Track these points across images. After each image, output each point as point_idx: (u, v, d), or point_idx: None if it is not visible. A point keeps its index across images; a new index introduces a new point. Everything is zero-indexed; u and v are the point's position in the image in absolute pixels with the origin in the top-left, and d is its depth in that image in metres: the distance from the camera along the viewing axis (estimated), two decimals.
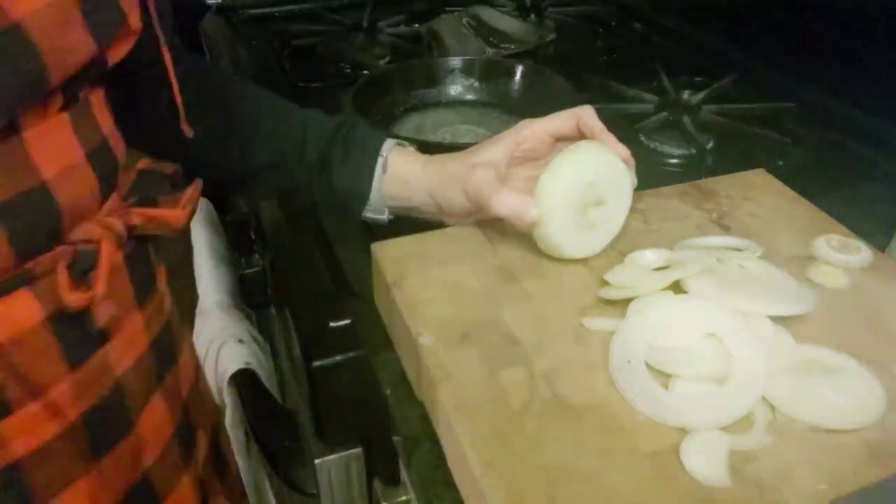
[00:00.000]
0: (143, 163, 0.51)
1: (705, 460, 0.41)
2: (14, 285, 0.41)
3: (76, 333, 0.44)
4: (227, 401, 0.85)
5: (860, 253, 0.58)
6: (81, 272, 0.43)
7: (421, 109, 0.92)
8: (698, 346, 0.49)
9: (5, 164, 0.39)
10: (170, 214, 0.50)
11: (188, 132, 0.54)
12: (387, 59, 1.10)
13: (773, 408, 0.45)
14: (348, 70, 1.07)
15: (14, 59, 0.38)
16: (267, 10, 1.29)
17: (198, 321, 0.96)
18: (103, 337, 0.46)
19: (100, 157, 0.45)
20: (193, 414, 0.57)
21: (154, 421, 0.51)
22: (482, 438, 0.43)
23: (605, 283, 0.55)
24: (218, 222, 1.10)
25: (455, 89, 0.95)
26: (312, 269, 0.68)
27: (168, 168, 0.52)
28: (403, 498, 0.56)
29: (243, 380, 0.84)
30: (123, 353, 0.48)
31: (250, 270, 1.10)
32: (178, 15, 0.60)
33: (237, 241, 1.09)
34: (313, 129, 0.66)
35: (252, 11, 1.28)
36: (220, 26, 1.24)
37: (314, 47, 1.14)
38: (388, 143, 0.64)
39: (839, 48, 0.91)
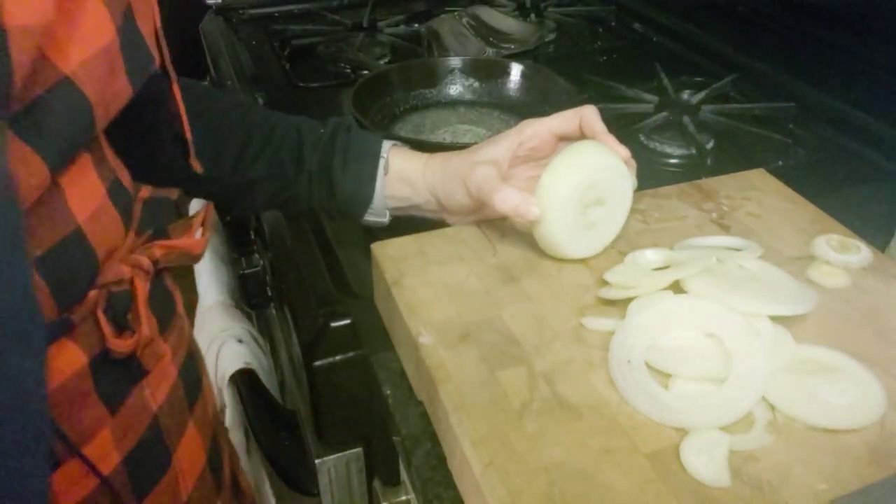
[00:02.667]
0: (145, 191, 0.51)
1: (705, 460, 0.41)
2: (55, 335, 0.40)
3: (114, 376, 0.43)
4: (227, 401, 0.85)
5: (860, 253, 0.58)
6: (118, 314, 0.43)
7: (421, 109, 0.92)
8: (698, 346, 0.49)
9: (47, 215, 0.39)
10: (191, 244, 0.50)
11: (198, 168, 0.54)
12: (387, 59, 1.10)
13: (773, 408, 0.45)
14: (348, 70, 1.07)
15: (69, 113, 0.38)
16: (267, 10, 1.29)
17: (198, 321, 0.96)
18: (139, 375, 0.46)
19: (117, 193, 0.45)
20: (220, 437, 0.56)
21: (190, 451, 0.51)
22: (482, 438, 0.43)
23: (605, 283, 0.55)
24: (218, 222, 1.10)
25: (455, 89, 0.95)
26: (312, 269, 0.68)
27: (172, 194, 0.52)
28: (403, 498, 0.56)
29: (243, 380, 0.84)
30: (157, 387, 0.47)
31: (250, 270, 1.10)
32: (177, 15, 0.60)
33: (237, 241, 1.09)
34: (308, 136, 0.65)
35: (252, 11, 1.28)
36: (220, 26, 1.24)
37: (314, 47, 1.14)
38: (387, 144, 0.64)
39: (839, 48, 0.91)
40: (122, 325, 0.43)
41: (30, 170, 0.36)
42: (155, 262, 0.47)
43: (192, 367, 0.52)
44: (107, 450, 0.43)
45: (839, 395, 0.45)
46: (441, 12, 1.19)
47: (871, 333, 0.51)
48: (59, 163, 0.39)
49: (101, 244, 0.43)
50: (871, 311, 0.53)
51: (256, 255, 1.11)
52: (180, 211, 0.53)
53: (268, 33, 1.20)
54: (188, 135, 0.52)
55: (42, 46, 0.35)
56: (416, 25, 1.20)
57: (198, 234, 0.51)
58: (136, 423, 0.45)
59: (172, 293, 0.52)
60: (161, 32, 0.48)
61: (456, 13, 1.18)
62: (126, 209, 0.46)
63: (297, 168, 0.64)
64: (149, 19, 0.45)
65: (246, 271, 1.08)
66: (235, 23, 1.26)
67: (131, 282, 0.45)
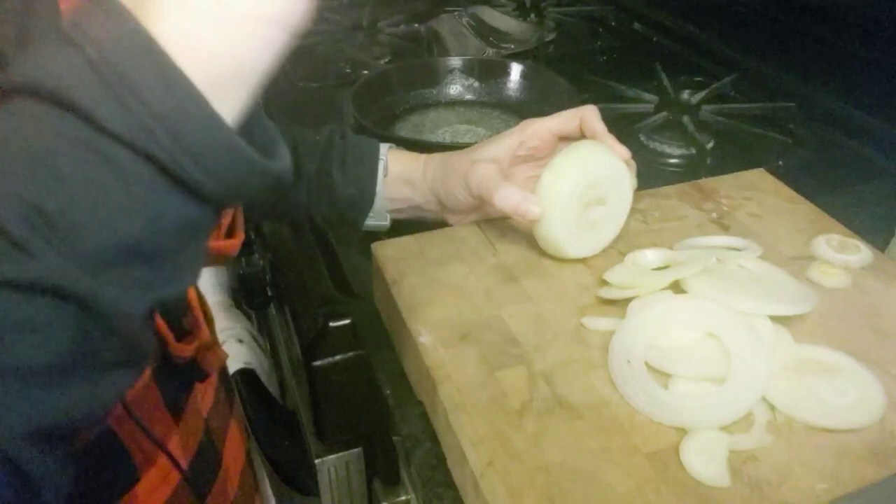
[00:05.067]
0: None
1: (705, 460, 0.41)
2: None
3: (174, 383, 0.44)
4: None
5: (860, 253, 0.58)
6: (174, 319, 0.43)
7: (421, 109, 0.92)
8: (698, 346, 0.49)
9: None
10: (227, 245, 0.50)
11: None
12: (387, 59, 1.10)
13: (772, 408, 0.45)
14: (348, 70, 1.07)
15: None
16: None
17: None
18: (198, 378, 0.46)
19: None
20: (252, 454, 0.57)
21: (233, 451, 0.51)
22: (482, 438, 0.43)
23: (605, 283, 0.55)
24: None
25: (455, 89, 0.95)
26: (312, 269, 0.68)
27: None
28: (403, 498, 0.56)
29: (243, 380, 0.84)
30: (205, 392, 0.48)
31: (250, 270, 1.10)
32: None
33: None
34: (303, 145, 0.64)
35: None
36: None
37: (314, 47, 1.14)
38: (384, 147, 0.64)
39: (839, 48, 0.91)
40: (180, 330, 0.43)
41: None
42: None
43: (225, 370, 0.52)
44: (179, 454, 0.43)
45: (839, 395, 0.45)
46: (441, 12, 1.19)
47: (871, 333, 0.51)
48: None
49: None
50: (871, 311, 0.53)
51: (256, 256, 1.11)
52: None
53: None
54: None
55: None
56: (417, 25, 1.20)
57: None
58: (195, 431, 0.46)
59: (201, 295, 0.52)
60: None
61: (456, 13, 1.18)
62: None
63: (294, 177, 0.63)
64: None
65: (246, 271, 1.08)
66: None
67: None
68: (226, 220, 0.51)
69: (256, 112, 0.30)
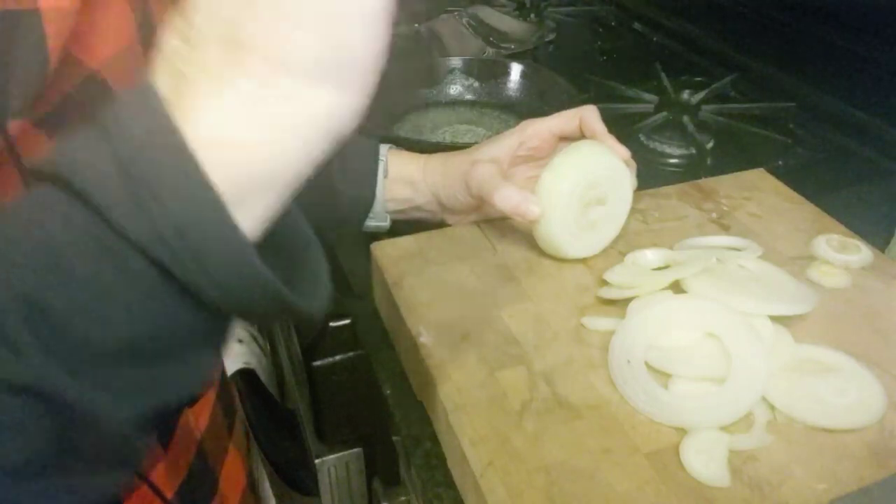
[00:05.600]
0: None
1: (705, 460, 0.41)
2: None
3: None
4: None
5: (860, 253, 0.58)
6: None
7: (421, 109, 0.92)
8: (698, 346, 0.49)
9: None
10: None
11: None
12: (387, 59, 1.10)
13: (772, 408, 0.45)
14: None
15: (98, 104, 0.38)
16: None
17: None
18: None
19: None
20: (252, 455, 0.56)
21: (232, 475, 0.50)
22: (482, 438, 0.43)
23: (605, 283, 0.55)
24: None
25: (455, 89, 0.95)
26: None
27: None
28: (403, 498, 0.56)
29: (243, 380, 0.84)
30: (200, 414, 0.47)
31: None
32: None
33: None
34: None
35: None
36: None
37: None
38: (384, 148, 0.64)
39: (839, 48, 0.91)
40: None
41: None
42: None
43: (227, 389, 0.52)
44: (163, 483, 0.43)
45: (839, 395, 0.45)
46: (441, 12, 1.19)
47: (871, 333, 0.51)
48: None
49: None
50: (871, 311, 0.53)
51: None
52: None
53: None
54: None
55: (68, 44, 0.35)
56: (416, 25, 1.20)
57: None
58: (186, 452, 0.45)
59: None
60: None
61: (456, 13, 1.18)
62: None
63: None
64: (164, 15, 0.45)
65: None
66: None
67: None
68: None
69: (307, 242, 0.29)
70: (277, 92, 0.24)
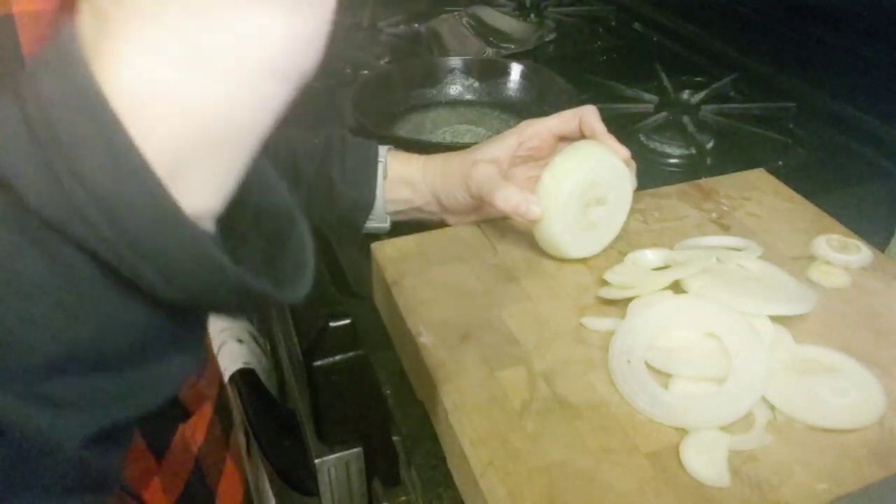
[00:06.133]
0: None
1: (705, 460, 0.41)
2: None
3: (157, 421, 0.42)
4: None
5: (860, 253, 0.58)
6: None
7: (421, 109, 0.92)
8: (698, 346, 0.49)
9: None
10: None
11: None
12: (387, 59, 1.10)
13: (773, 408, 0.45)
14: (348, 70, 1.06)
15: None
16: None
17: None
18: (181, 417, 0.45)
19: None
20: (252, 455, 0.56)
21: (230, 488, 0.50)
22: (482, 438, 0.43)
23: (605, 283, 0.55)
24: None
25: (455, 89, 0.95)
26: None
27: None
28: (403, 498, 0.56)
29: (243, 380, 0.84)
30: (196, 428, 0.47)
31: None
32: None
33: None
34: (301, 148, 0.64)
35: None
36: None
37: None
38: (383, 149, 0.64)
39: (839, 48, 0.91)
40: None
41: None
42: None
43: (225, 401, 0.51)
44: (157, 497, 0.42)
45: (839, 395, 0.45)
46: (441, 12, 1.19)
47: (871, 333, 0.51)
48: None
49: None
50: (871, 311, 0.53)
51: None
52: None
53: None
54: None
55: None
56: (416, 25, 1.20)
57: None
58: (182, 470, 0.44)
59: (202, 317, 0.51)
60: None
61: (456, 13, 1.18)
62: None
63: (294, 181, 0.63)
64: None
65: None
66: None
67: None
68: None
69: (289, 218, 0.25)
70: (211, 23, 0.19)
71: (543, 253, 0.58)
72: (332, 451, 0.64)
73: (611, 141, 0.59)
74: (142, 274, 0.20)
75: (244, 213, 0.24)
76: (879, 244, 0.61)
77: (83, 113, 0.19)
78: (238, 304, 0.23)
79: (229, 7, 0.20)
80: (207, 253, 0.20)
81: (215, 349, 0.88)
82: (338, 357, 0.58)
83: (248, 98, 0.21)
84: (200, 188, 0.21)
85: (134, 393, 0.23)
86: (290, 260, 0.25)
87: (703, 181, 0.69)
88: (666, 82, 0.97)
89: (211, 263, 0.21)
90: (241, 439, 0.54)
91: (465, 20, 1.16)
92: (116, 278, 0.20)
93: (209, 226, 0.22)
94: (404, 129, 0.88)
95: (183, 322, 0.23)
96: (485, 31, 1.14)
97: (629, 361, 0.47)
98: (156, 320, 0.22)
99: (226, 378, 0.84)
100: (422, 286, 0.54)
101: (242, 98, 0.21)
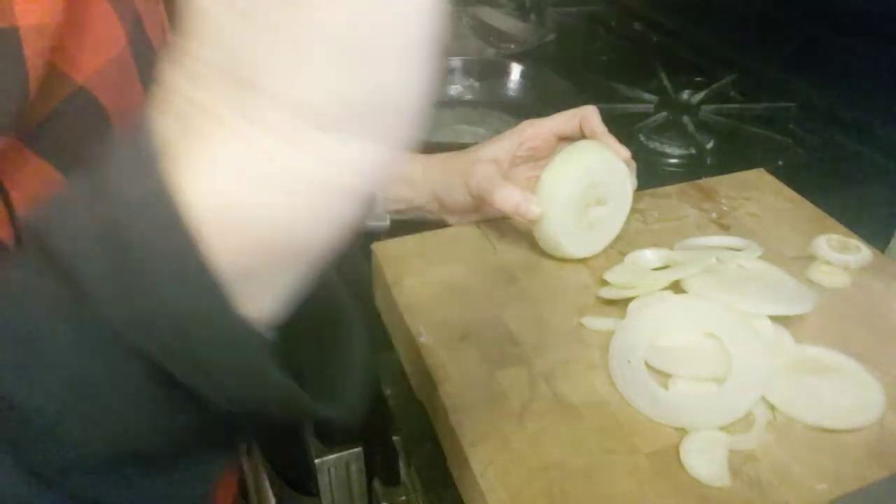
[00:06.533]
0: None
1: (705, 460, 0.41)
2: None
3: None
4: None
5: (860, 253, 0.58)
6: None
7: None
8: (698, 346, 0.49)
9: None
10: None
11: None
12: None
13: (772, 408, 0.45)
14: None
15: (86, 123, 0.36)
16: None
17: None
18: None
19: None
20: (252, 455, 0.56)
21: (223, 488, 0.50)
22: (482, 438, 0.43)
23: (605, 283, 0.55)
24: None
25: (455, 89, 0.95)
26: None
27: None
28: (403, 498, 0.56)
29: None
30: None
31: None
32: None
33: None
34: None
35: None
36: None
37: None
38: None
39: (839, 48, 0.91)
40: None
41: (49, 185, 0.35)
42: None
43: None
44: None
45: (839, 395, 0.45)
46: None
47: (870, 333, 0.51)
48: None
49: None
50: (871, 311, 0.53)
51: None
52: None
53: None
54: None
55: (52, 58, 0.34)
56: None
57: None
58: None
59: None
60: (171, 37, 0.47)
61: (456, 13, 1.18)
62: None
63: None
64: (158, 30, 0.44)
65: None
66: None
67: None
68: None
69: (345, 324, 0.25)
70: (293, 143, 0.19)
71: (543, 253, 0.58)
72: (332, 451, 0.64)
73: (611, 141, 0.59)
74: (198, 383, 0.20)
75: (301, 319, 0.24)
76: (879, 244, 0.61)
77: (158, 222, 0.19)
78: (294, 418, 0.23)
79: (316, 132, 0.19)
80: (266, 370, 0.21)
81: None
82: None
83: (320, 216, 0.21)
84: (263, 298, 0.21)
85: (175, 492, 0.23)
86: (341, 368, 0.25)
87: (703, 181, 0.69)
88: (666, 82, 0.97)
89: (268, 380, 0.21)
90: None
91: (465, 20, 1.16)
92: (170, 384, 0.20)
93: (267, 333, 0.22)
94: None
95: (227, 424, 0.23)
96: (485, 31, 1.14)
97: (629, 361, 0.47)
98: (203, 424, 0.22)
99: None
100: (422, 286, 0.54)
101: (314, 216, 0.21)
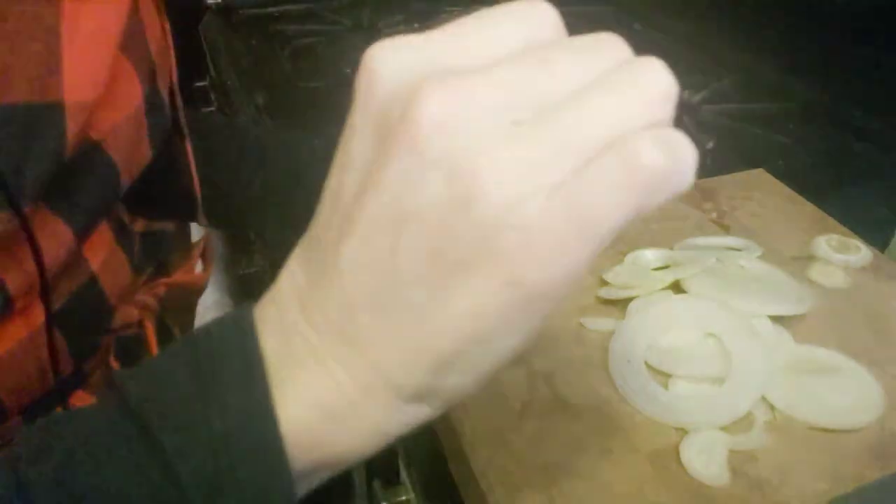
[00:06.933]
0: (140, 225, 0.49)
1: (705, 460, 0.41)
2: (71, 388, 0.40)
3: None
4: None
5: (860, 253, 0.58)
6: (129, 359, 0.42)
7: None
8: (698, 346, 0.49)
9: (64, 269, 0.38)
10: (194, 280, 0.48)
11: (202, 221, 0.53)
12: None
13: (772, 408, 0.45)
14: (348, 70, 1.07)
15: (98, 180, 0.37)
16: (267, 9, 1.29)
17: (198, 321, 0.96)
18: None
19: (123, 235, 0.44)
20: None
21: None
22: (482, 438, 0.43)
23: (604, 283, 0.55)
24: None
25: None
26: None
27: (169, 226, 0.51)
28: (403, 498, 0.56)
29: None
30: None
31: (250, 270, 1.10)
32: (177, 15, 0.59)
33: (237, 241, 1.09)
34: (304, 150, 0.63)
35: (252, 11, 1.28)
36: (220, 26, 1.24)
37: (314, 47, 1.14)
38: None
39: (839, 48, 0.91)
40: None
41: (59, 241, 0.36)
42: (160, 301, 0.46)
43: None
44: None
45: (839, 395, 0.45)
46: (441, 12, 1.19)
47: (870, 333, 0.51)
48: (86, 229, 0.38)
49: (112, 288, 0.42)
50: (870, 311, 0.53)
51: (256, 255, 1.11)
52: (178, 241, 0.52)
53: (268, 33, 1.20)
54: (198, 192, 0.50)
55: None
56: (416, 25, 1.20)
57: (198, 267, 0.49)
58: None
59: (174, 333, 0.51)
60: (177, 88, 0.47)
61: (456, 13, 1.18)
62: (130, 249, 0.45)
63: (296, 183, 0.62)
64: (166, 74, 0.44)
65: (246, 271, 1.09)
66: (235, 23, 1.26)
67: (140, 324, 0.44)
68: (196, 251, 0.50)
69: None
70: (377, 401, 0.23)
71: None
72: None
73: None
74: None
75: None
76: (879, 244, 0.61)
77: (257, 441, 0.22)
78: None
79: (398, 399, 0.23)
80: None
81: None
82: None
83: (377, 445, 0.24)
84: (305, 488, 0.25)
85: None
86: None
87: (703, 181, 0.69)
88: None
89: None
90: None
91: None
92: None
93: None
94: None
95: None
96: None
97: (629, 361, 0.47)
98: None
99: None
100: None
101: (374, 445, 0.24)
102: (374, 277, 0.21)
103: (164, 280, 0.47)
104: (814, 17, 0.95)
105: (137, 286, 0.46)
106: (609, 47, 0.21)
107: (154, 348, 0.44)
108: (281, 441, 0.22)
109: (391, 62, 0.21)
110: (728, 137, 0.87)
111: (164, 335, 0.49)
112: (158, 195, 0.50)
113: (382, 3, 1.29)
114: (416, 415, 0.24)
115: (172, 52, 0.45)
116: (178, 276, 0.49)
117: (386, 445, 0.25)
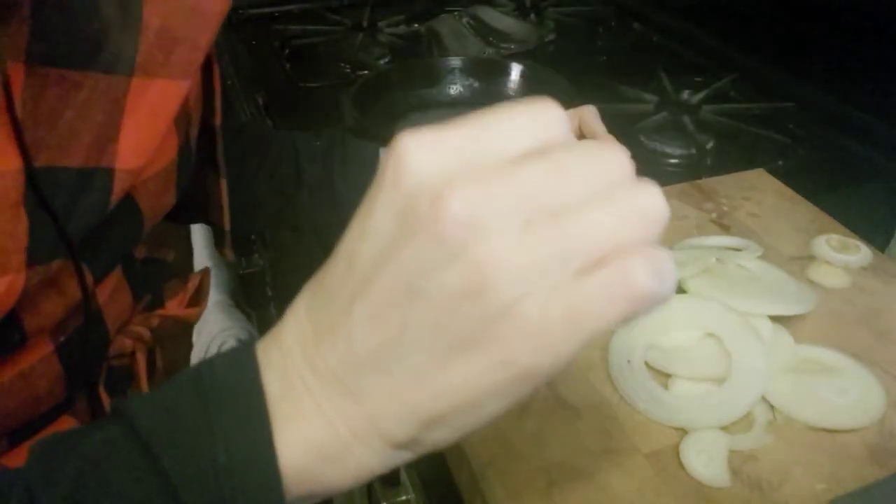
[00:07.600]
0: (141, 252, 0.49)
1: (705, 460, 0.41)
2: (58, 413, 0.40)
3: None
4: None
5: (860, 253, 0.58)
6: (118, 389, 0.42)
7: (421, 109, 0.92)
8: (698, 346, 0.49)
9: (74, 306, 0.38)
10: (189, 314, 0.49)
11: (230, 256, 0.54)
12: (387, 59, 1.10)
13: (772, 408, 0.45)
14: (348, 70, 1.07)
15: (124, 229, 0.39)
16: (267, 10, 1.29)
17: (198, 322, 0.96)
18: None
19: (129, 263, 0.45)
20: None
21: None
22: (482, 438, 0.43)
23: None
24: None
25: (455, 89, 0.95)
26: (312, 269, 0.68)
27: (168, 255, 0.51)
28: (403, 498, 0.56)
29: None
30: None
31: (250, 270, 1.10)
32: None
33: (237, 241, 1.09)
34: (304, 150, 0.63)
35: (252, 11, 1.28)
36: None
37: (314, 47, 1.14)
38: (384, 150, 0.64)
39: (839, 48, 0.91)
40: None
41: (78, 285, 0.37)
42: (153, 331, 0.47)
43: None
44: None
45: (839, 395, 0.45)
46: (441, 12, 1.19)
47: (870, 333, 0.51)
48: (105, 274, 0.39)
49: (114, 321, 0.43)
50: (871, 311, 0.53)
51: (256, 255, 1.11)
52: (176, 270, 0.52)
53: (268, 33, 1.20)
54: (227, 226, 0.52)
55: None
56: (416, 25, 1.20)
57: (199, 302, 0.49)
58: None
59: (158, 367, 0.51)
60: (220, 131, 0.47)
61: (456, 13, 1.18)
62: (133, 277, 0.46)
63: (296, 183, 0.63)
64: (197, 119, 0.45)
65: (246, 271, 1.09)
66: (235, 23, 1.26)
67: (131, 354, 0.44)
68: (192, 285, 0.51)
69: None
70: (368, 447, 0.25)
71: None
72: None
73: (611, 141, 0.59)
74: None
75: None
76: (879, 244, 0.61)
77: (262, 479, 0.24)
78: None
79: (387, 448, 0.25)
80: None
81: (215, 349, 0.88)
82: None
83: (356, 482, 0.26)
84: None
85: None
86: None
87: (703, 181, 0.69)
88: (666, 82, 0.97)
89: None
90: None
91: (465, 20, 1.16)
92: None
93: None
94: (404, 130, 0.88)
95: None
96: (485, 31, 1.14)
97: (629, 361, 0.47)
98: None
99: None
100: None
101: (358, 480, 0.26)
102: (382, 338, 0.23)
103: (158, 312, 0.48)
104: (814, 17, 0.95)
105: (133, 315, 0.46)
106: (615, 160, 0.23)
107: (143, 380, 0.45)
108: (279, 477, 0.24)
109: (420, 154, 0.23)
110: (728, 137, 0.87)
111: (154, 368, 0.49)
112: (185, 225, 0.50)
113: (382, 3, 1.29)
114: (401, 457, 0.26)
115: (219, 96, 0.46)
116: (172, 309, 0.49)
117: (370, 479, 0.27)
